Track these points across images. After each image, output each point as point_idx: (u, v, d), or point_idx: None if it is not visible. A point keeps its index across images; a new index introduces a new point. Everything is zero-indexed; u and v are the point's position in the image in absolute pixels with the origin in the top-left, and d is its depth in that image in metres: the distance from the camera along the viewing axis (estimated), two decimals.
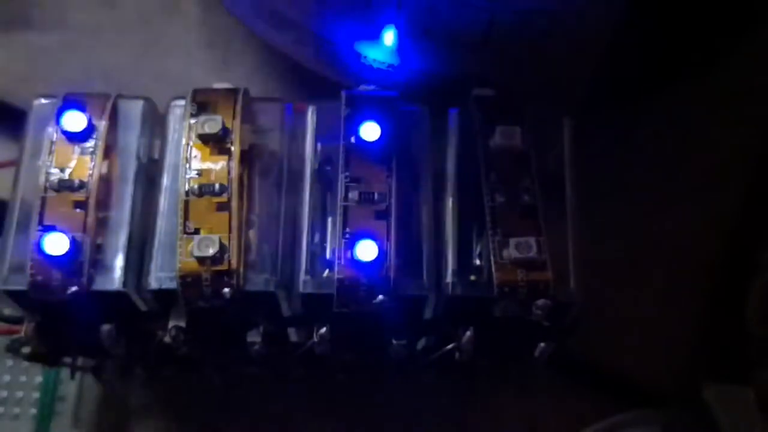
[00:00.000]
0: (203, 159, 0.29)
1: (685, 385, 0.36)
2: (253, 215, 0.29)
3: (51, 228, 0.28)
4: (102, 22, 0.43)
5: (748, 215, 0.40)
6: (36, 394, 0.36)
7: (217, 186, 0.28)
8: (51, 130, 0.29)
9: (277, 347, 0.30)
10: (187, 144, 0.29)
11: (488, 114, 0.30)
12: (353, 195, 0.28)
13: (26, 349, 0.30)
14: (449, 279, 0.29)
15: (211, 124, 0.29)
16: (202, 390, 0.36)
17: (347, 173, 0.29)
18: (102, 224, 0.29)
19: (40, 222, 0.28)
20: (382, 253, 0.28)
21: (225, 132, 0.29)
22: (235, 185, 0.28)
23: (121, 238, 0.29)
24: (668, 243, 0.39)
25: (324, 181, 0.30)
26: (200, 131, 0.29)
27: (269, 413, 0.37)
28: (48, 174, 0.29)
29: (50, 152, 0.29)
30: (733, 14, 0.36)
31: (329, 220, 0.30)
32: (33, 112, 0.30)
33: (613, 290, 0.37)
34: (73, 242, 0.27)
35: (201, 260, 0.27)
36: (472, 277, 0.29)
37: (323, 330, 0.29)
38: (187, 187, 0.28)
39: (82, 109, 0.29)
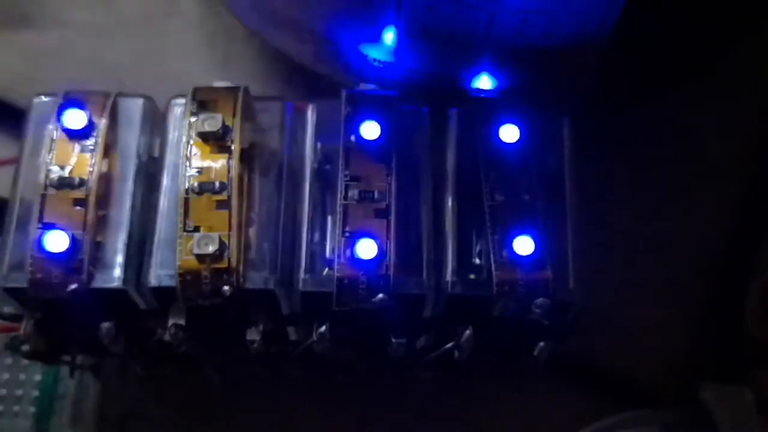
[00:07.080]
0: (203, 157, 0.29)
1: (684, 385, 0.36)
2: (253, 213, 0.29)
3: (51, 225, 0.28)
4: (102, 21, 0.43)
5: (746, 216, 0.40)
6: (35, 392, 0.36)
7: (217, 184, 0.28)
8: (51, 128, 0.29)
9: (277, 346, 0.30)
10: (188, 142, 0.29)
11: (487, 113, 0.30)
12: (353, 193, 0.28)
13: (25, 347, 0.30)
14: (449, 278, 0.29)
15: (212, 122, 0.29)
16: (201, 388, 0.36)
17: (347, 172, 0.29)
18: (102, 222, 0.29)
19: (40, 219, 0.28)
20: (382, 252, 0.28)
21: (225, 130, 0.29)
22: (235, 183, 0.28)
23: (121, 236, 0.29)
24: (667, 243, 0.39)
25: (324, 179, 0.30)
26: (200, 129, 0.29)
27: (268, 412, 0.37)
28: (48, 171, 0.29)
29: (50, 150, 0.29)
30: (732, 16, 0.36)
31: (329, 218, 0.30)
32: (33, 109, 0.30)
33: (611, 290, 0.37)
34: (73, 240, 0.27)
35: (201, 258, 0.27)
36: (472, 276, 0.29)
37: (323, 328, 0.29)
38: (187, 185, 0.28)
39: (82, 107, 0.29)
